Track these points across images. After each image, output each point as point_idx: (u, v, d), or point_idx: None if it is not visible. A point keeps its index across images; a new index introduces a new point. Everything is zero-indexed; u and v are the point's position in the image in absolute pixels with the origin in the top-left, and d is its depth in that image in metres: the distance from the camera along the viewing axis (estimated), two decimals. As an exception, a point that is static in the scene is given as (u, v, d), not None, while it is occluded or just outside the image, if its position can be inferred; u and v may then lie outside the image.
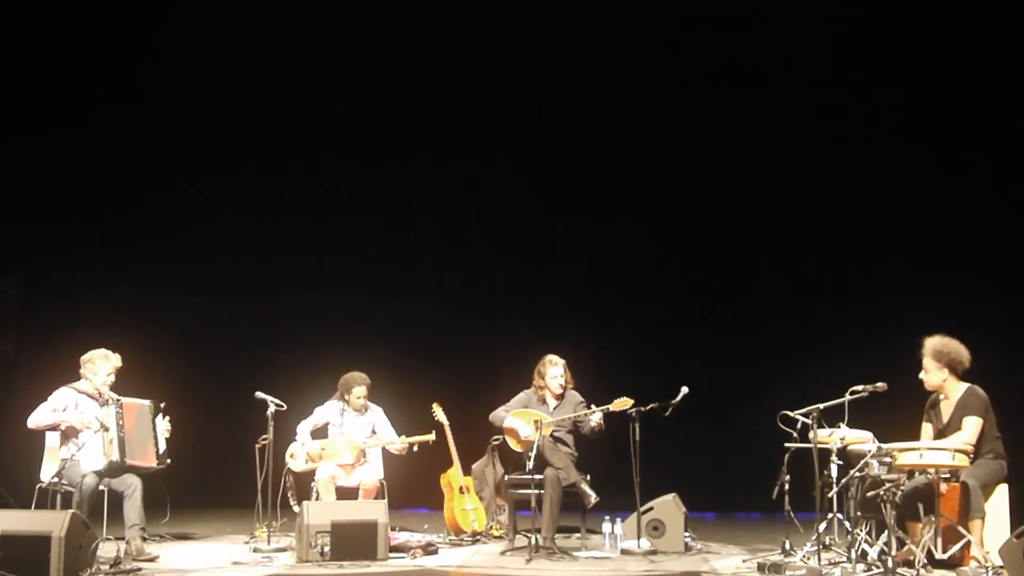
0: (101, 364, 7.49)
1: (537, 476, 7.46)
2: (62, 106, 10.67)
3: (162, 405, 7.69)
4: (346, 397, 8.29)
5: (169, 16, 10.79)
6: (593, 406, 7.79)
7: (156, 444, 7.55)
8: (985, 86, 10.02)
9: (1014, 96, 9.89)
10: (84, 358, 7.54)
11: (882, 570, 6.14)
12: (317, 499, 7.83)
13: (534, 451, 7.38)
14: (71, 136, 10.76)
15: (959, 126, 10.11)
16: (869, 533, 6.74)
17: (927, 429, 6.83)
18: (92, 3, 10.54)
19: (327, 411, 8.31)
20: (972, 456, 6.39)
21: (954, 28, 10.02)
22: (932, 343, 6.74)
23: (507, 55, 11.01)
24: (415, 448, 8.17)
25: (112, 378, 7.52)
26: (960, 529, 6.19)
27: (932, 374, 6.72)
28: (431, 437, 8.18)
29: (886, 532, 6.42)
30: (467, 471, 8.43)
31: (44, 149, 10.66)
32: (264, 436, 7.83)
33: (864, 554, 6.48)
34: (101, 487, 7.27)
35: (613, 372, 9.71)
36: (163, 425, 7.65)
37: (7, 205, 10.40)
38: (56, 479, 7.11)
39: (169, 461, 7.62)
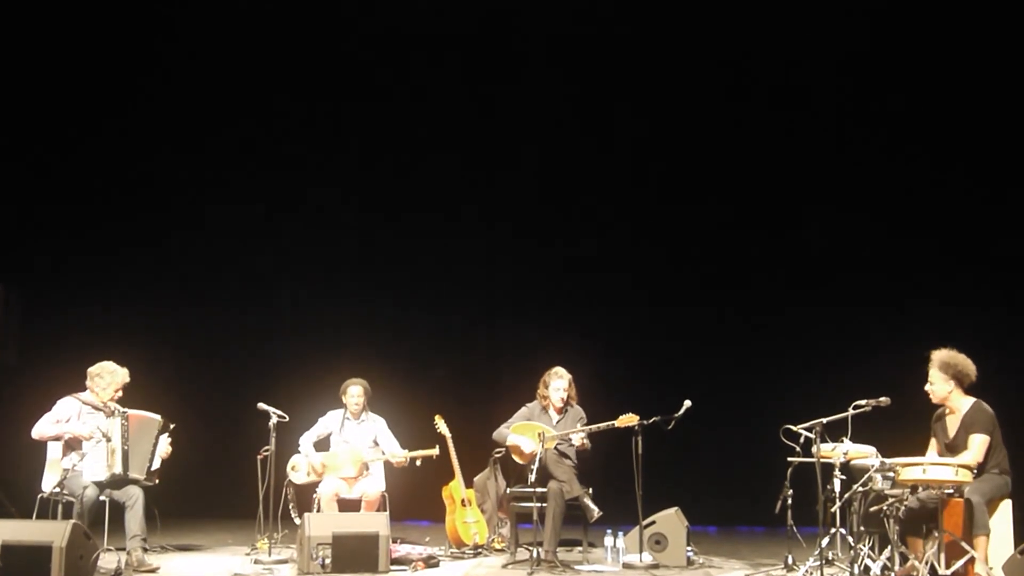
0: (109, 379, 7.47)
1: (540, 489, 7.44)
2: (68, 122, 10.71)
3: (172, 426, 7.69)
4: (344, 400, 8.29)
5: (171, 34, 10.85)
6: (580, 423, 7.83)
7: (151, 460, 7.53)
8: (993, 102, 10.03)
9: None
10: (92, 371, 7.52)
11: (885, 585, 6.13)
12: (319, 512, 7.81)
13: (537, 464, 7.37)
14: (77, 151, 10.80)
15: (968, 141, 10.12)
16: (872, 548, 6.72)
17: (934, 445, 6.80)
18: (98, 25, 10.60)
19: (329, 421, 8.31)
20: (976, 471, 6.36)
21: (968, 47, 10.06)
22: (939, 355, 6.72)
23: (510, 71, 11.04)
24: (418, 462, 8.16)
25: (119, 394, 7.52)
26: (963, 545, 6.16)
27: (938, 386, 6.69)
28: (434, 452, 8.16)
29: (889, 547, 6.40)
30: (469, 484, 8.43)
31: (50, 164, 10.70)
32: (266, 447, 7.82)
33: (867, 569, 6.46)
34: (102, 498, 7.27)
35: (616, 385, 9.72)
36: (163, 445, 7.64)
37: (13, 216, 10.42)
38: (57, 489, 7.08)
39: (157, 481, 7.58)
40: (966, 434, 6.55)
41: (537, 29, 10.90)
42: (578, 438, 7.76)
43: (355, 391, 8.28)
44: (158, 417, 7.59)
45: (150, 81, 10.97)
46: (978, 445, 6.47)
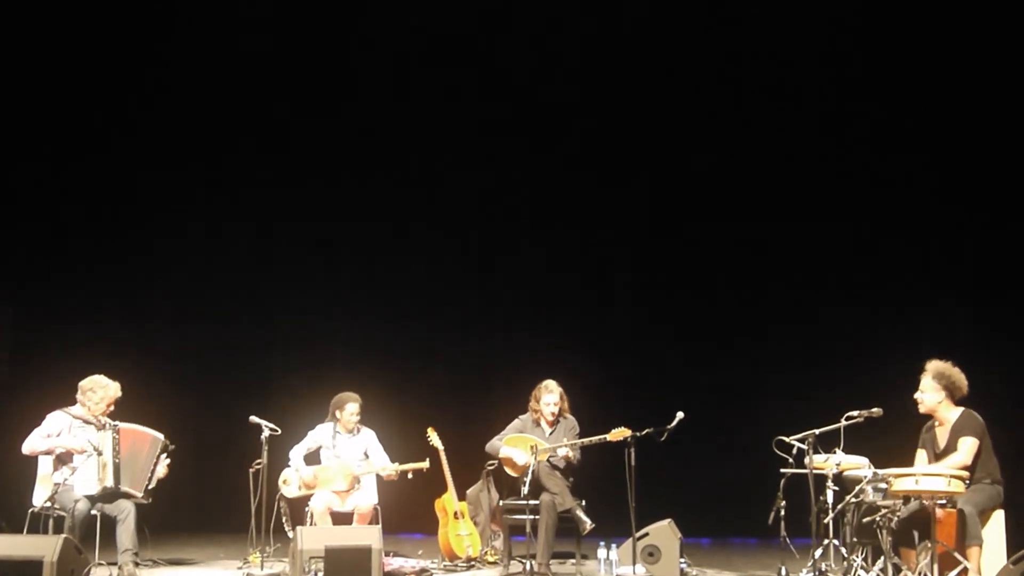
0: (101, 394, 7.44)
1: (532, 501, 7.43)
2: (59, 137, 10.68)
3: (172, 447, 7.66)
4: (338, 416, 8.22)
5: (164, 47, 10.83)
6: (573, 433, 7.85)
7: (150, 478, 7.50)
8: (989, 113, 10.06)
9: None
10: (83, 385, 7.48)
11: (878, 596, 6.12)
12: (312, 525, 7.78)
13: (530, 476, 7.37)
14: (67, 166, 10.76)
15: (960, 152, 10.15)
16: (865, 559, 6.72)
17: (921, 456, 6.81)
18: (91, 36, 10.57)
19: (319, 434, 8.26)
20: (968, 481, 6.37)
21: (958, 49, 10.11)
22: (934, 365, 6.74)
23: (506, 83, 11.06)
24: (409, 475, 8.13)
25: (111, 408, 7.48)
26: (956, 555, 6.17)
27: (928, 395, 6.71)
28: (425, 465, 8.12)
29: (882, 558, 6.41)
30: (462, 496, 8.41)
31: (40, 178, 10.68)
32: (258, 461, 7.80)
33: (860, 580, 6.47)
34: (94, 512, 7.23)
35: (609, 397, 9.73)
36: (162, 465, 7.61)
37: (3, 232, 10.39)
38: (48, 504, 7.06)
39: (151, 500, 7.54)
40: (957, 440, 6.57)
41: (537, 45, 10.94)
42: (563, 452, 7.77)
43: (353, 408, 8.19)
44: (161, 436, 7.57)
45: (137, 97, 10.93)
46: (967, 448, 6.49)
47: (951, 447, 6.59)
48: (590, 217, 11.27)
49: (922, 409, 6.76)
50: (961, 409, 6.67)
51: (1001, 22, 9.87)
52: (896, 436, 7.13)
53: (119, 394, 7.54)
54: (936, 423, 6.75)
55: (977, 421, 6.60)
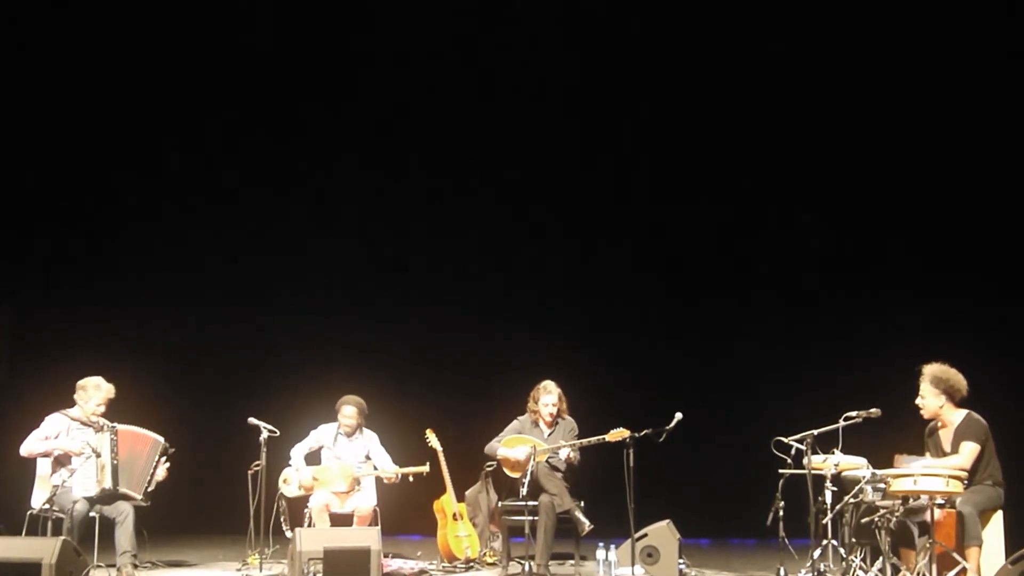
0: (93, 393, 7.43)
1: (531, 503, 7.43)
2: (59, 137, 10.66)
3: (171, 450, 7.65)
4: (338, 417, 8.26)
5: (155, 45, 10.83)
6: (572, 434, 7.87)
7: (149, 481, 7.49)
8: (983, 116, 10.05)
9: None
10: (79, 384, 7.49)
11: (877, 597, 6.12)
12: (310, 526, 7.77)
13: (528, 477, 7.36)
14: (67, 166, 10.75)
15: (956, 151, 10.15)
16: (864, 560, 6.72)
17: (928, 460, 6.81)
18: (89, 35, 10.57)
19: (322, 434, 8.25)
20: (967, 481, 6.36)
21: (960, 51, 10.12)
22: (931, 369, 6.74)
23: (503, 86, 11.05)
24: (410, 478, 8.12)
25: (102, 408, 7.47)
26: (955, 556, 6.17)
27: (929, 400, 6.70)
28: (425, 469, 8.08)
29: (881, 559, 6.40)
30: (461, 497, 8.40)
31: (40, 178, 10.67)
32: (256, 462, 7.80)
33: (859, 581, 6.46)
34: (92, 514, 7.22)
35: (608, 398, 9.71)
36: (162, 468, 7.60)
37: (4, 231, 10.38)
38: (47, 505, 7.06)
39: (149, 503, 7.53)
40: (959, 444, 6.56)
41: (538, 45, 10.93)
42: (565, 452, 7.76)
43: (349, 411, 8.17)
44: (161, 439, 7.56)
45: (137, 97, 10.92)
46: (968, 452, 6.49)
47: (955, 451, 6.58)
48: (590, 218, 11.26)
49: (925, 415, 6.75)
50: (965, 412, 6.66)
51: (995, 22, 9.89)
52: (894, 437, 7.12)
53: (112, 395, 7.52)
54: (939, 425, 6.75)
55: (980, 425, 6.59)
